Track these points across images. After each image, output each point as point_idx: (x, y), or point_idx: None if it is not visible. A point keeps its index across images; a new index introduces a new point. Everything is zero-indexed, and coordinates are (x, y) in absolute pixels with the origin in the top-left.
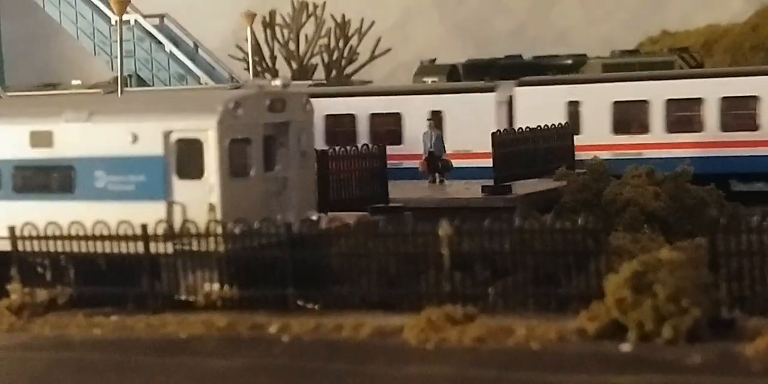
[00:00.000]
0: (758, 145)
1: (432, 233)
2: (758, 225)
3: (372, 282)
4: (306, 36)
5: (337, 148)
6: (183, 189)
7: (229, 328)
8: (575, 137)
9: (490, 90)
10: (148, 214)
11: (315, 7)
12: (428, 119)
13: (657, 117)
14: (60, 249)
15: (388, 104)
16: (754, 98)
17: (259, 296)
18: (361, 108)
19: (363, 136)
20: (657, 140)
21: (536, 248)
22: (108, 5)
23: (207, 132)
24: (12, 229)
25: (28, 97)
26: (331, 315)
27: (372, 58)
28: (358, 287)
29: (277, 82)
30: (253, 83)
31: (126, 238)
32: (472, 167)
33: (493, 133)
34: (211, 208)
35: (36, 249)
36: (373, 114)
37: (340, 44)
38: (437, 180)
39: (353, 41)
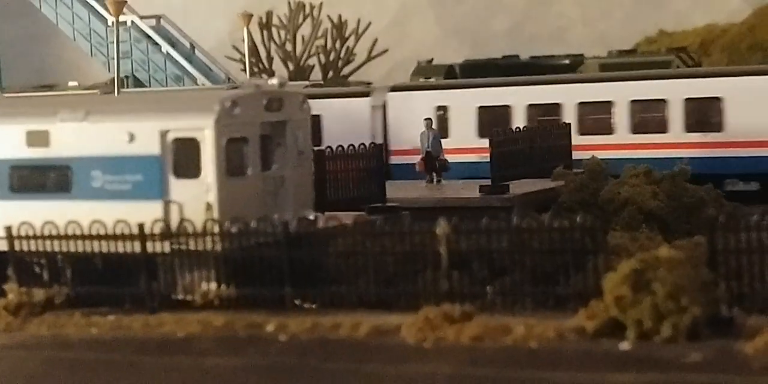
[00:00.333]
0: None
1: (429, 232)
2: (757, 223)
3: (369, 281)
4: (303, 37)
5: (333, 147)
6: (180, 188)
7: (226, 327)
8: (443, 141)
9: (366, 95)
10: (145, 213)
11: (312, 7)
12: (426, 119)
13: (519, 121)
14: (57, 248)
15: None
16: (609, 103)
17: (256, 295)
18: None
19: None
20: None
21: (534, 247)
22: (104, 6)
23: (204, 131)
24: (9, 229)
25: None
26: (329, 314)
27: (369, 58)
28: (356, 286)
29: (274, 82)
30: (250, 83)
31: (123, 237)
32: None
33: (490, 133)
34: (208, 207)
35: (33, 249)
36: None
37: (337, 45)
38: (434, 180)
39: (350, 42)
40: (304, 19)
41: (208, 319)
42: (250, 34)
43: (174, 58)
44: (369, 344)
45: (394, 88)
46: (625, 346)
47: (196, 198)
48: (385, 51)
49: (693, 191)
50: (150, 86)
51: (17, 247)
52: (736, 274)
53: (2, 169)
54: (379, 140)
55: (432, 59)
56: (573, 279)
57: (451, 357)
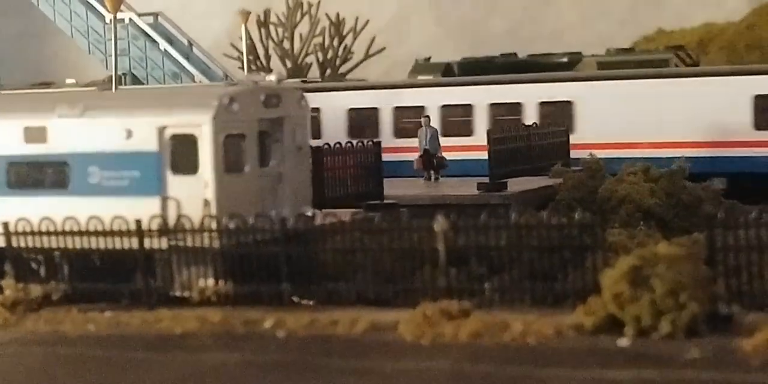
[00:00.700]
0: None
1: (428, 228)
2: (755, 220)
3: (367, 277)
4: (300, 35)
5: (331, 143)
6: (177, 184)
7: (224, 323)
8: (315, 141)
9: None
10: (143, 209)
11: (309, 5)
12: (424, 116)
13: (386, 123)
14: (54, 245)
15: None
16: (469, 106)
17: (253, 292)
18: None
19: None
20: (386, 144)
21: (533, 243)
22: (102, 3)
23: (201, 127)
24: (6, 225)
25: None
26: (326, 310)
27: (366, 56)
28: (354, 283)
29: (272, 78)
30: (248, 79)
31: (120, 233)
32: None
33: (488, 130)
34: (206, 203)
35: (30, 245)
36: None
37: (335, 43)
38: (432, 177)
39: (348, 40)
40: (302, 17)
41: (206, 315)
42: (248, 31)
43: (172, 56)
44: (366, 341)
45: None
46: (623, 342)
47: (194, 194)
48: (383, 49)
49: (691, 189)
50: (148, 84)
51: (14, 243)
52: (734, 271)
53: (0, 165)
54: None
55: (430, 57)
56: (571, 276)
57: (448, 353)
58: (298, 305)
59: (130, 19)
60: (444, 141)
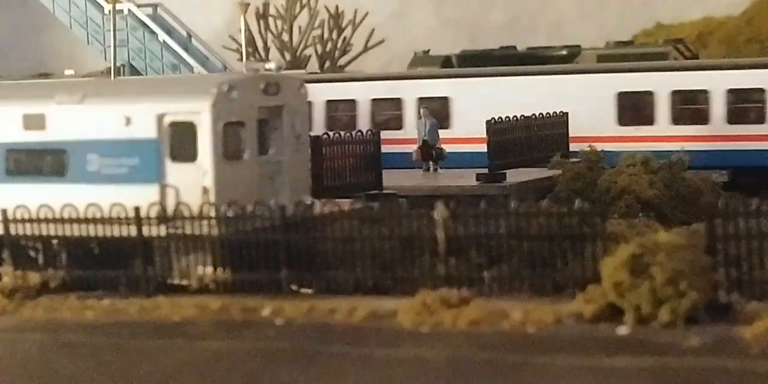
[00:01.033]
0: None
1: (427, 217)
2: (756, 210)
3: (366, 266)
4: (300, 27)
5: (330, 133)
6: (176, 172)
7: (222, 311)
8: None
9: None
10: (141, 197)
11: None
12: (423, 107)
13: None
14: (52, 232)
15: None
16: (353, 101)
17: (252, 280)
18: None
19: None
20: None
21: (532, 232)
22: None
23: (200, 115)
24: (4, 212)
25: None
26: (325, 299)
27: (366, 49)
28: (353, 271)
29: (271, 66)
30: (247, 67)
31: (119, 221)
32: None
33: (487, 121)
34: (205, 191)
35: (28, 232)
36: None
37: (334, 35)
38: (431, 168)
39: (347, 32)
40: (301, 9)
41: (204, 303)
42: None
43: (171, 47)
44: (365, 329)
45: None
46: (623, 330)
47: (193, 182)
48: (382, 41)
49: (690, 181)
50: (146, 75)
51: (13, 231)
52: (734, 260)
53: None
54: None
55: (429, 50)
56: (571, 264)
57: (448, 341)
58: (297, 293)
59: (129, 10)
60: None
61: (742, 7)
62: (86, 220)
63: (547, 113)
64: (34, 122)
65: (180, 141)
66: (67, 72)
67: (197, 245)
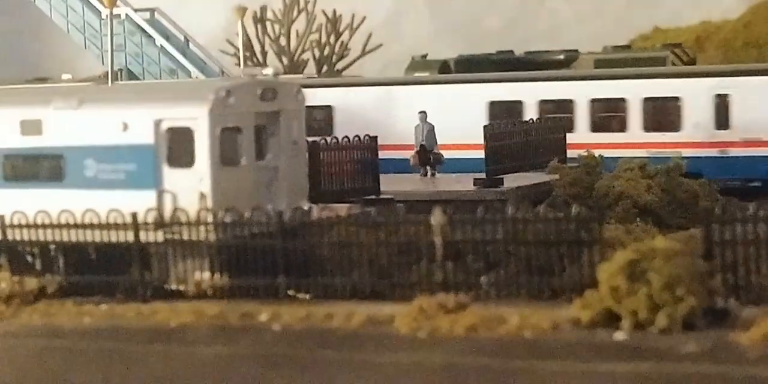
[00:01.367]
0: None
1: (424, 222)
2: (753, 215)
3: (363, 271)
4: (297, 31)
5: (328, 138)
6: (173, 178)
7: (220, 316)
8: None
9: None
10: (139, 202)
11: (306, 2)
12: (420, 112)
13: None
14: (50, 237)
15: None
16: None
17: (249, 285)
18: None
19: None
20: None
21: (529, 237)
22: None
23: (198, 120)
24: (2, 218)
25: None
26: (322, 304)
27: (363, 53)
28: (350, 277)
29: (268, 71)
30: (245, 72)
31: (116, 226)
32: None
33: (485, 126)
34: (202, 196)
35: (26, 237)
36: None
37: (331, 40)
38: (429, 173)
39: (344, 37)
40: (299, 14)
41: (202, 308)
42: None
43: (168, 52)
44: (362, 334)
45: None
46: (620, 336)
47: (190, 187)
48: (380, 46)
49: (687, 185)
50: (144, 79)
51: (10, 236)
52: (731, 266)
53: None
54: None
55: (426, 54)
56: (568, 270)
57: (445, 347)
58: (294, 299)
59: (127, 15)
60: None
61: (740, 12)
62: (83, 226)
63: (545, 118)
64: (32, 128)
65: (177, 146)
66: (65, 76)
67: (194, 251)
